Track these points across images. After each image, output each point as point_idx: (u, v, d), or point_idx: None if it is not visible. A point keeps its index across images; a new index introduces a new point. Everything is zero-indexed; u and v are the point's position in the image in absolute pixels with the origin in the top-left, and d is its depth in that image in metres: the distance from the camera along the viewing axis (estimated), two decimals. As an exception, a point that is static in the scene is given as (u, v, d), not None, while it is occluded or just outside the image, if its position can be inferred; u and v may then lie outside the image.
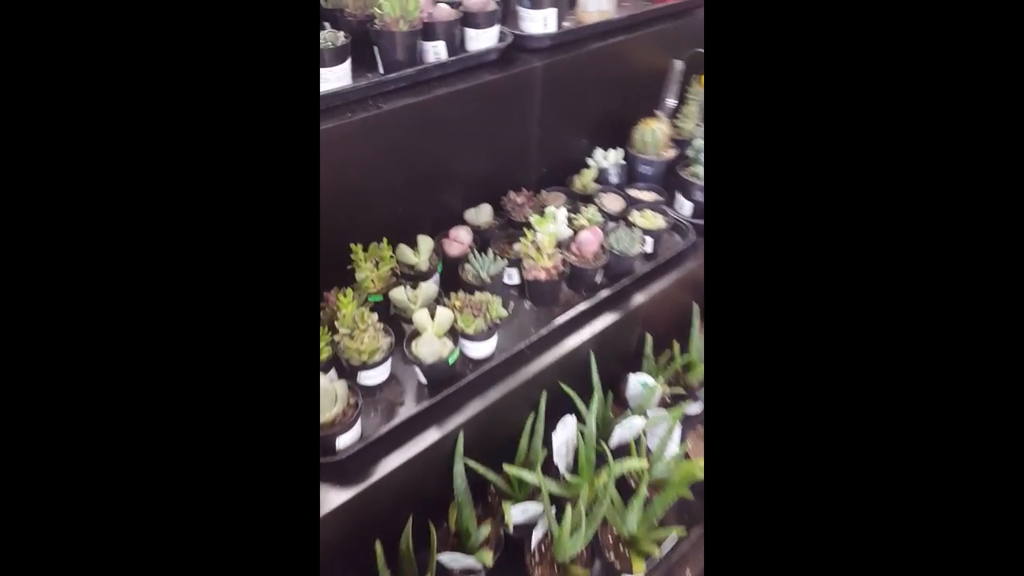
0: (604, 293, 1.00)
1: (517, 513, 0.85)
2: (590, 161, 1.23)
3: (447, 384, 0.83)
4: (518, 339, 0.93)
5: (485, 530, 0.90)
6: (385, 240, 0.93)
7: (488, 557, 0.84)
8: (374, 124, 0.84)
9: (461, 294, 0.87)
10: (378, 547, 0.77)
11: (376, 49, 0.86)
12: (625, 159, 1.21)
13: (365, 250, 0.91)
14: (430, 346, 0.78)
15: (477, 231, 1.04)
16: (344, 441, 0.73)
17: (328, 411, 0.71)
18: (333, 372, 0.82)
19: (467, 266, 0.95)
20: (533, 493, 0.92)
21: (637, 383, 1.06)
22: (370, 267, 0.89)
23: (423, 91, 0.89)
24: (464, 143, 1.00)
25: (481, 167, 1.06)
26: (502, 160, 1.09)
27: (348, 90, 0.82)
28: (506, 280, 1.02)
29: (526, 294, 1.01)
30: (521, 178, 1.14)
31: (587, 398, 0.99)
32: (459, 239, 1.00)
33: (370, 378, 0.83)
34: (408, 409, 0.82)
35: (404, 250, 0.95)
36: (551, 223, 0.93)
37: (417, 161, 0.94)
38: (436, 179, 1.00)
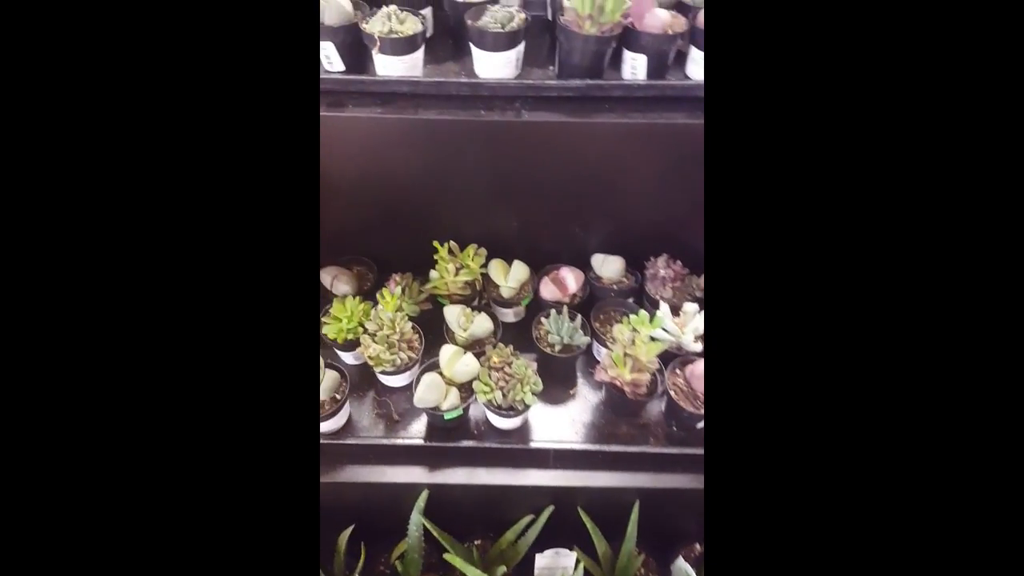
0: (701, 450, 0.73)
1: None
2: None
3: (436, 436, 0.73)
4: (564, 430, 0.75)
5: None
6: (484, 250, 0.83)
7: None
8: (512, 130, 0.71)
9: (508, 350, 0.72)
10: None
11: (558, 44, 0.71)
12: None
13: (462, 250, 0.83)
14: (430, 390, 0.68)
15: (592, 283, 0.85)
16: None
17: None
18: (351, 356, 0.79)
19: (543, 320, 0.79)
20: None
21: (682, 571, 0.78)
22: (450, 270, 0.81)
23: (590, 111, 0.71)
24: (626, 182, 0.80)
25: (639, 215, 0.84)
26: (670, 218, 0.84)
27: (496, 83, 0.70)
28: (596, 355, 0.83)
29: (603, 387, 0.80)
30: (690, 245, 0.87)
31: (616, 544, 0.77)
32: (562, 282, 0.83)
33: (386, 379, 0.78)
34: (394, 434, 0.75)
35: (496, 268, 0.83)
36: (659, 328, 0.69)
37: (555, 179, 0.79)
38: (574, 208, 0.83)
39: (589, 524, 0.77)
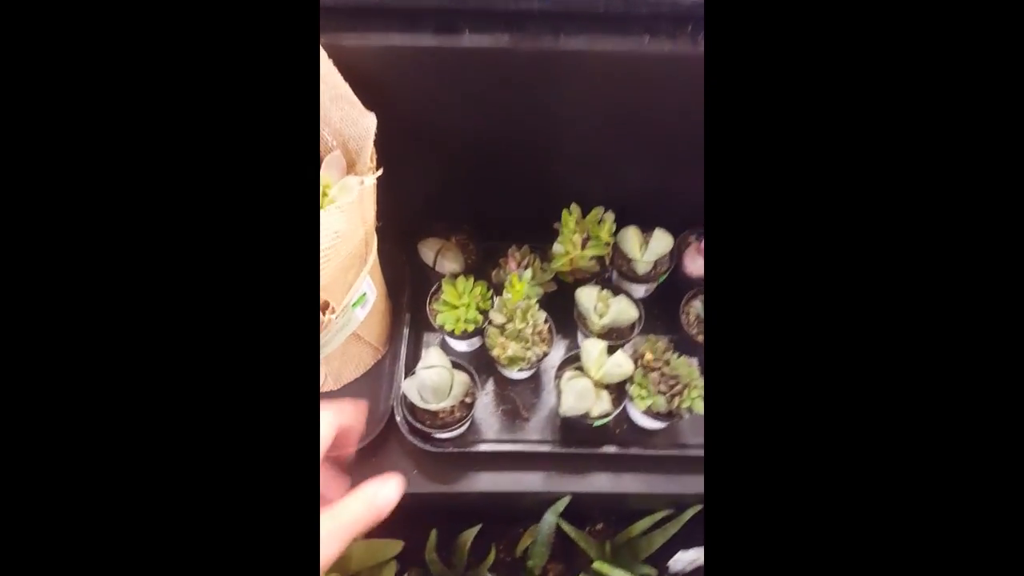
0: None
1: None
2: None
3: (578, 442, 0.64)
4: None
5: (551, 573, 0.78)
6: (611, 214, 0.68)
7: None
8: (675, 63, 0.54)
9: (662, 343, 0.61)
10: (433, 535, 0.71)
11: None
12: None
13: (585, 214, 0.69)
14: (581, 399, 0.58)
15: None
16: (445, 433, 0.62)
17: (435, 402, 0.59)
18: (464, 344, 0.68)
19: (694, 302, 0.66)
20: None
21: None
22: (575, 241, 0.67)
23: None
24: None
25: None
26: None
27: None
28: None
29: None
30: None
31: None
32: (711, 255, 0.69)
33: (512, 373, 0.68)
34: (525, 436, 0.66)
35: (631, 237, 0.69)
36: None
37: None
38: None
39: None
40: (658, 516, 0.71)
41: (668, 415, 0.59)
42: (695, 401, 0.57)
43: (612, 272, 0.73)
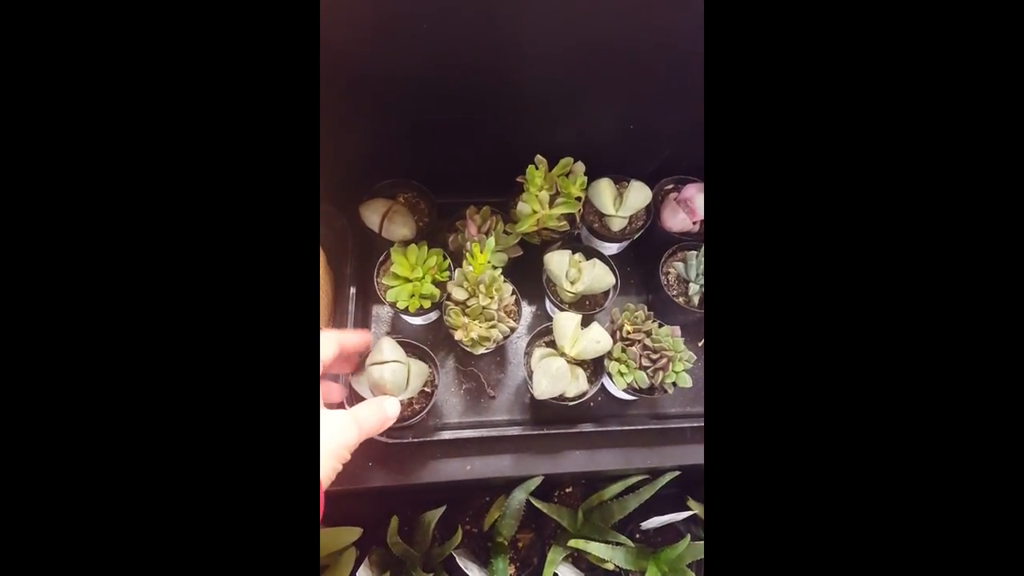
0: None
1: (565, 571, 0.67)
2: None
3: (550, 421, 0.59)
4: (695, 398, 0.62)
5: (520, 543, 0.76)
6: (581, 165, 0.60)
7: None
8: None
9: (641, 312, 0.55)
10: (394, 521, 0.66)
11: None
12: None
13: (551, 167, 0.60)
14: (557, 380, 0.52)
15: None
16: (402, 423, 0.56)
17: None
18: (419, 319, 0.60)
19: (674, 263, 0.60)
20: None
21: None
22: (542, 198, 0.59)
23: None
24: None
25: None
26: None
27: None
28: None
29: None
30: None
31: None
32: (688, 204, 0.63)
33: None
34: (490, 418, 0.60)
35: (601, 189, 0.61)
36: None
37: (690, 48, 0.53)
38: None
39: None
40: (631, 481, 0.69)
41: (650, 390, 0.54)
42: (680, 376, 0.52)
43: (582, 229, 0.65)
